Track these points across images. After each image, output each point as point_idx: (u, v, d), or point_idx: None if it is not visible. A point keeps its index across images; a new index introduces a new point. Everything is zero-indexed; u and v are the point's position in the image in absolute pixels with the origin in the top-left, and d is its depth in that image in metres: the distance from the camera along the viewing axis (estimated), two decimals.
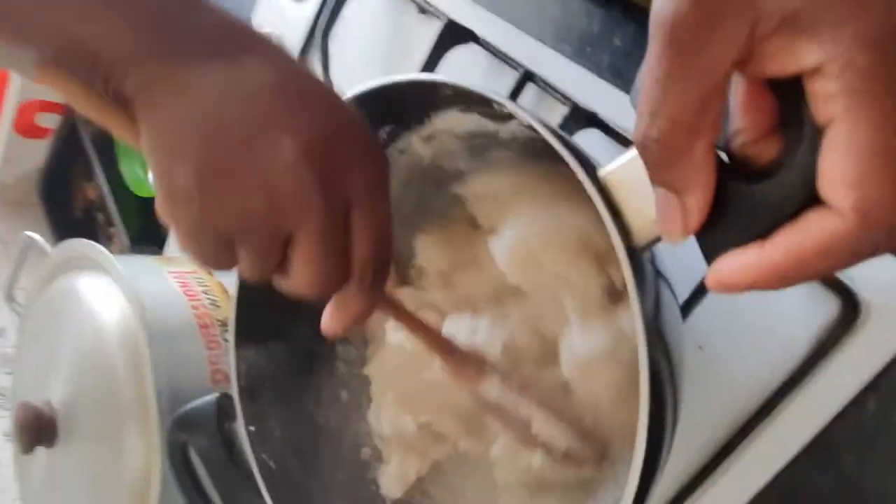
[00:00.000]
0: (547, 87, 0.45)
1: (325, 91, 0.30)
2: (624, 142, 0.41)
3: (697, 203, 0.22)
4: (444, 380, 0.37)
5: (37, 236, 0.71)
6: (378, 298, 0.31)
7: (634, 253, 0.26)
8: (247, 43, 0.29)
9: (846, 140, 0.18)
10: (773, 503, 0.35)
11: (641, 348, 0.25)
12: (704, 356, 0.38)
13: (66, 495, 0.57)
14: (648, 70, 0.20)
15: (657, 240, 0.26)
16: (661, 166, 0.21)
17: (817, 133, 0.19)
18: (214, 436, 0.41)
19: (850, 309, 0.33)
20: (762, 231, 0.21)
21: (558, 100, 0.44)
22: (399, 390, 0.40)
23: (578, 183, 0.31)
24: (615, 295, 0.33)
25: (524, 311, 0.36)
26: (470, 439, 0.39)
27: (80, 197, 1.02)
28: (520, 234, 0.36)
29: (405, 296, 0.40)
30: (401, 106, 0.36)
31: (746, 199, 0.21)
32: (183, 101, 0.27)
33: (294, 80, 0.29)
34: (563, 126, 0.42)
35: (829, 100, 0.18)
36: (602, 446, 0.34)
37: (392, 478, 0.40)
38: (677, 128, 0.20)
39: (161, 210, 0.28)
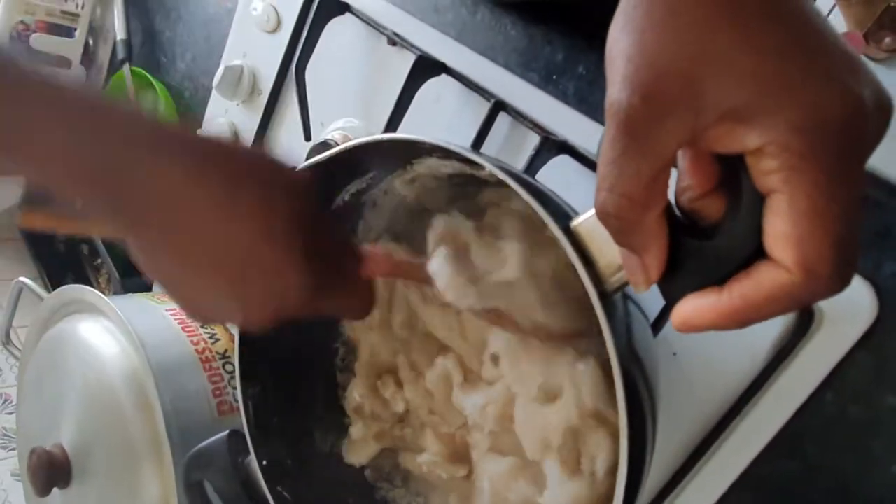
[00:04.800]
0: (518, 116, 0.48)
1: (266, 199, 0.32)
2: (594, 166, 0.44)
3: (654, 261, 0.25)
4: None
5: (28, 281, 0.72)
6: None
7: (607, 296, 0.29)
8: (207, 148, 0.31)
9: (786, 207, 0.21)
10: (746, 491, 0.39)
11: (618, 387, 0.28)
12: (679, 362, 0.41)
13: None
14: (603, 151, 0.23)
15: (626, 284, 0.29)
16: (619, 234, 0.24)
17: (757, 199, 0.23)
18: (229, 472, 0.43)
19: (806, 315, 0.37)
20: (714, 279, 0.24)
21: (530, 128, 0.47)
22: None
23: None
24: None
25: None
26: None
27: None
28: (505, 396, 0.39)
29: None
30: (383, 156, 0.39)
31: (698, 253, 0.25)
32: (168, 215, 0.30)
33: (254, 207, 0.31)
34: (536, 155, 0.45)
35: (769, 174, 0.21)
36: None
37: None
38: (631, 203, 0.23)
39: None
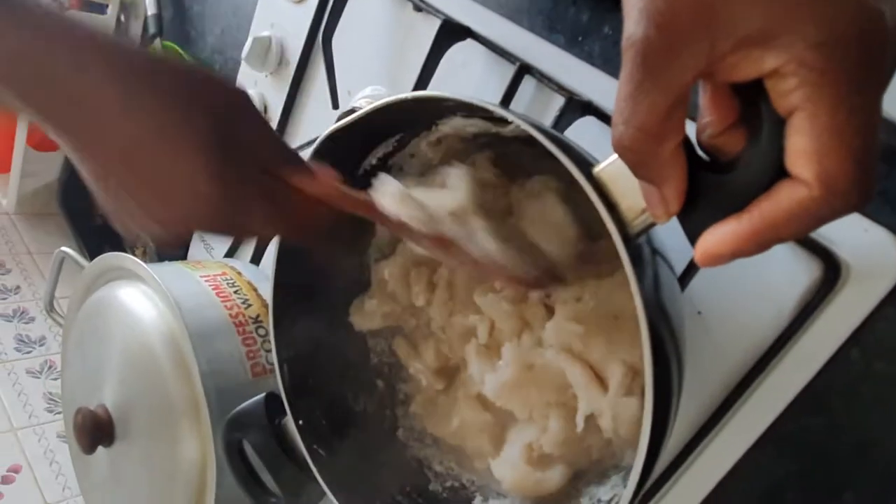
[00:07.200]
0: (543, 78, 0.48)
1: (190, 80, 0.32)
2: None
3: (673, 192, 0.25)
4: None
5: (70, 250, 0.75)
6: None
7: (630, 240, 0.29)
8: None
9: (808, 122, 0.21)
10: (771, 447, 0.39)
11: (643, 326, 0.28)
12: (704, 320, 0.42)
13: (127, 489, 0.62)
14: (619, 87, 0.23)
15: (651, 225, 0.29)
16: (636, 167, 0.25)
17: (778, 125, 0.23)
18: (267, 432, 0.45)
19: (832, 270, 0.37)
20: (735, 211, 0.24)
21: (555, 90, 0.47)
22: None
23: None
24: None
25: None
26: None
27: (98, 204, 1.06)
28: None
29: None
30: (408, 117, 0.39)
31: (719, 186, 0.25)
32: (85, 117, 0.30)
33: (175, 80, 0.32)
34: (561, 116, 0.45)
35: (789, 93, 0.21)
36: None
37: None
38: (646, 136, 0.23)
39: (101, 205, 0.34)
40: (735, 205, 0.24)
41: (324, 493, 0.43)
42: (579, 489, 0.41)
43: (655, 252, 0.34)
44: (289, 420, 0.44)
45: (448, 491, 0.45)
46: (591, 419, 0.37)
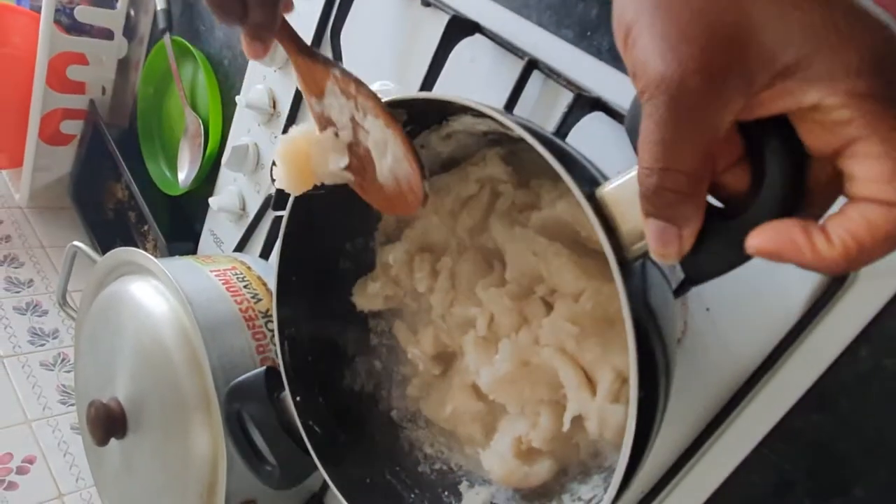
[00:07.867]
0: (552, 73, 0.48)
1: None
2: None
3: (691, 232, 0.25)
4: None
5: (82, 245, 0.76)
6: (272, 32, 0.39)
7: (626, 264, 0.28)
8: None
9: (877, 148, 0.21)
10: (779, 445, 0.39)
11: (631, 348, 0.28)
12: (712, 317, 0.41)
13: (139, 481, 0.63)
14: (650, 130, 0.22)
15: (647, 254, 0.28)
16: (669, 207, 0.24)
17: (796, 156, 0.23)
18: (265, 404, 0.46)
19: None
20: (736, 258, 0.25)
21: (563, 86, 0.47)
22: None
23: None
24: None
25: None
26: None
27: (110, 198, 1.06)
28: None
29: None
30: (418, 112, 0.39)
31: (724, 229, 0.25)
32: None
33: None
34: (569, 112, 0.45)
35: (846, 124, 0.21)
36: None
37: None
38: (689, 179, 0.23)
39: None
40: (736, 251, 0.24)
41: (317, 467, 0.44)
42: (563, 484, 0.41)
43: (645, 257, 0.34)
44: (287, 395, 0.45)
45: (436, 473, 0.46)
46: (578, 420, 0.38)
